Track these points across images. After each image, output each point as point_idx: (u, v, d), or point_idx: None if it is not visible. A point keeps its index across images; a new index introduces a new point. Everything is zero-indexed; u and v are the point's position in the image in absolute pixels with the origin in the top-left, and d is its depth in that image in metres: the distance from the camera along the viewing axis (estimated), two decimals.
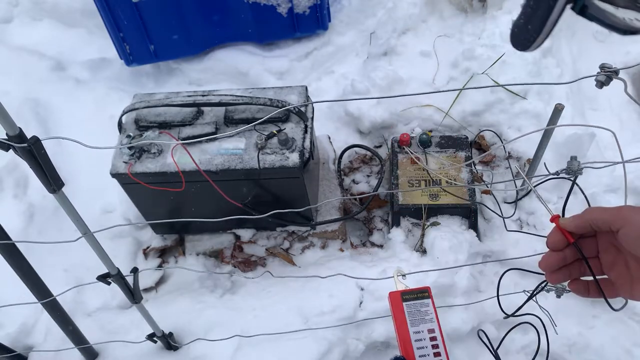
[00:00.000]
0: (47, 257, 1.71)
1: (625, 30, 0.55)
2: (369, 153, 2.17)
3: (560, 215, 0.77)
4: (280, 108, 1.54)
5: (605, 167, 1.29)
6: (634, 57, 2.30)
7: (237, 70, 2.49)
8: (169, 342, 1.66)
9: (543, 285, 1.39)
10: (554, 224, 0.75)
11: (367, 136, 2.26)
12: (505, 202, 2.04)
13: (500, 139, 2.12)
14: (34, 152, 0.95)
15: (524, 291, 1.53)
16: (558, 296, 1.45)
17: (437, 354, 0.99)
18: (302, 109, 1.68)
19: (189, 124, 1.66)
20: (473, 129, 2.19)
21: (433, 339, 1.01)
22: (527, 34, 0.60)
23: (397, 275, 1.12)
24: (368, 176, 2.20)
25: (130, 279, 1.37)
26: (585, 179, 1.87)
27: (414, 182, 1.96)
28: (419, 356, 0.99)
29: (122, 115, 1.64)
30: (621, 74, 0.96)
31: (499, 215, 1.94)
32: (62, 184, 1.05)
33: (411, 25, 2.48)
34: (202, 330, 1.71)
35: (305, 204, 1.75)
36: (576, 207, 1.81)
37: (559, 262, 0.73)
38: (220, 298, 1.85)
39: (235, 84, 2.49)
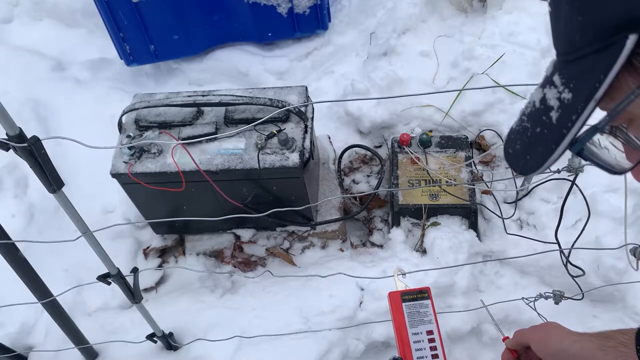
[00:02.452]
0: (47, 257, 1.71)
1: (617, 171, 0.57)
2: (369, 153, 2.17)
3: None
4: (280, 108, 1.54)
5: None
6: None
7: (237, 70, 2.49)
8: (169, 342, 1.66)
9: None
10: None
11: (367, 136, 2.26)
12: (505, 202, 2.04)
13: (501, 139, 2.12)
14: (34, 152, 0.95)
15: (522, 298, 1.52)
16: (556, 303, 1.45)
17: (435, 356, 0.99)
18: (302, 109, 1.68)
19: (189, 124, 1.66)
20: (473, 129, 2.19)
21: (431, 340, 1.01)
22: (525, 163, 0.60)
23: (397, 274, 1.12)
24: (368, 176, 2.20)
25: (130, 279, 1.37)
26: (585, 179, 1.87)
27: (414, 182, 1.96)
28: (417, 358, 0.99)
29: (122, 115, 1.64)
30: None
31: (499, 216, 1.94)
32: (62, 184, 1.05)
33: (411, 26, 2.47)
34: (202, 330, 1.71)
35: (305, 204, 1.75)
36: (576, 206, 1.81)
37: None
38: (220, 298, 1.84)
39: (235, 84, 2.49)
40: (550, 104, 0.54)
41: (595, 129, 0.53)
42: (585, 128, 0.52)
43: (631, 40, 0.44)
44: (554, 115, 0.54)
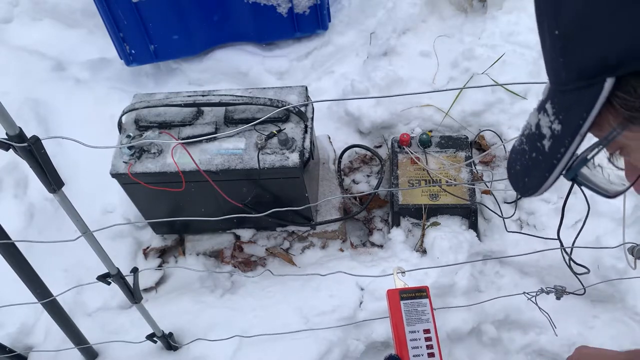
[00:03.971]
0: (47, 257, 1.71)
1: (611, 195, 0.59)
2: (369, 153, 2.17)
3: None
4: (280, 108, 1.54)
5: None
6: None
7: (237, 70, 2.49)
8: (169, 342, 1.66)
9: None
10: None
11: (367, 136, 2.26)
12: (505, 202, 2.04)
13: (501, 139, 2.12)
14: (34, 152, 0.95)
15: (524, 293, 1.53)
16: (558, 298, 1.45)
17: (431, 354, 0.99)
18: (302, 109, 1.68)
19: (189, 124, 1.66)
20: (473, 129, 2.19)
21: (428, 339, 1.01)
22: (524, 185, 0.62)
23: (397, 273, 1.12)
24: (368, 176, 2.20)
25: (130, 279, 1.37)
26: None
27: (414, 182, 1.96)
28: (413, 356, 0.99)
29: (122, 115, 1.64)
30: None
31: (499, 216, 1.94)
32: (62, 184, 1.05)
33: (411, 25, 2.47)
34: (202, 330, 1.71)
35: (305, 204, 1.75)
36: (576, 207, 1.81)
37: None
38: (220, 298, 1.84)
39: (235, 84, 2.49)
40: (543, 132, 0.56)
41: (585, 160, 0.55)
42: (582, 148, 0.54)
43: (609, 83, 0.46)
44: (546, 143, 0.56)
